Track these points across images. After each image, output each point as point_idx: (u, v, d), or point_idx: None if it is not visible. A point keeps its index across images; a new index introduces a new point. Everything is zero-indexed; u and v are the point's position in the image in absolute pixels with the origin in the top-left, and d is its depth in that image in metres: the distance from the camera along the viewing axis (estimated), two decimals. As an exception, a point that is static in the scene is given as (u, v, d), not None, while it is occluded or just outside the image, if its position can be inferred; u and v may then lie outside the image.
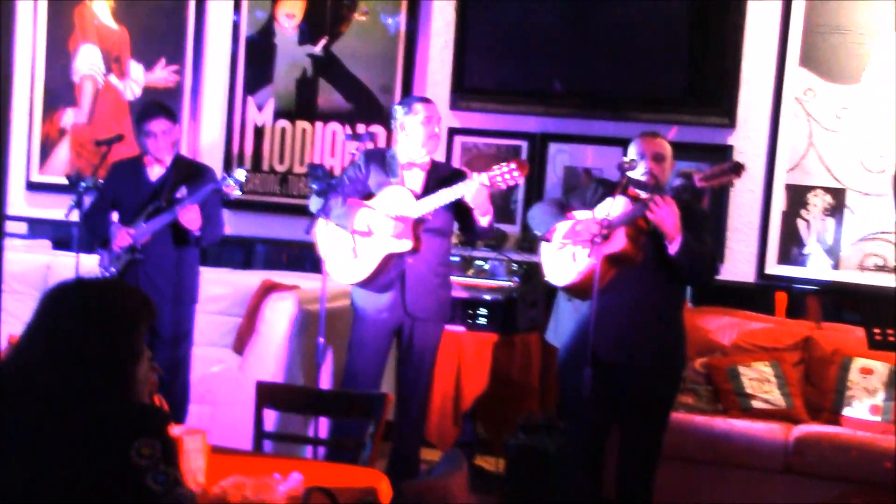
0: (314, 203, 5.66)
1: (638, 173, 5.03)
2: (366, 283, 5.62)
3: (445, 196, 5.42)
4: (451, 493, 2.88)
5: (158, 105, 6.22)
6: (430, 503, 2.78)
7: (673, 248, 4.88)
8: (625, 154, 5.19)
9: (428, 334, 5.69)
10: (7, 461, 2.61)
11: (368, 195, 5.69)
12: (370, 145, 7.07)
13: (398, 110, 5.72)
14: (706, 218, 5.42)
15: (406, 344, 5.70)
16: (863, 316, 6.32)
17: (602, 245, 4.83)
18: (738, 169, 4.89)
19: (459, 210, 5.55)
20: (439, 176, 5.64)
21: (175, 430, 3.27)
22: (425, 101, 5.78)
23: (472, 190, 5.34)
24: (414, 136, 5.63)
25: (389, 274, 5.56)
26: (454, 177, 5.54)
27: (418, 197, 5.51)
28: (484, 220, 5.51)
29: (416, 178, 5.67)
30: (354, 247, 5.56)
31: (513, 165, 5.26)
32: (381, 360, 5.74)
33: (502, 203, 7.02)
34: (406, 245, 5.48)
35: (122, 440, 2.62)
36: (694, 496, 5.89)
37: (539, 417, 6.19)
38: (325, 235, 5.64)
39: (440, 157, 7.06)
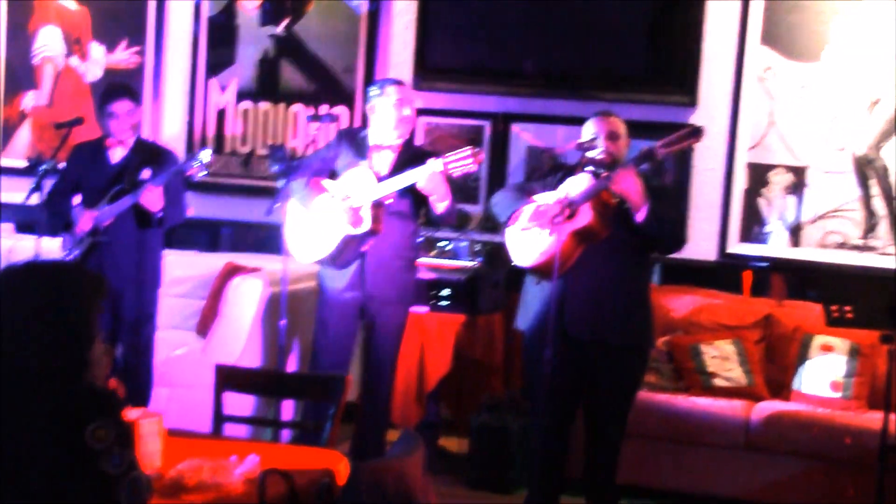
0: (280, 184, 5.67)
1: (595, 153, 5.03)
2: (328, 263, 5.62)
3: (403, 180, 5.40)
4: (406, 474, 2.88)
5: (121, 86, 6.20)
6: (385, 484, 2.79)
7: (640, 215, 4.86)
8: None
9: (389, 316, 5.68)
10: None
11: (334, 174, 5.69)
12: (332, 126, 7.07)
13: (372, 91, 5.71)
14: (665, 190, 5.42)
15: (369, 325, 5.70)
16: (823, 293, 6.36)
17: (566, 223, 4.84)
18: (697, 133, 4.89)
19: (419, 196, 5.55)
20: (409, 158, 5.61)
21: (131, 413, 3.26)
22: (398, 83, 5.75)
23: (425, 176, 5.33)
24: (385, 119, 5.62)
25: (350, 254, 5.56)
26: (420, 160, 5.48)
27: (382, 179, 5.51)
28: (440, 207, 5.47)
29: (385, 160, 5.66)
30: (315, 227, 5.56)
31: (467, 152, 5.25)
32: (346, 340, 5.73)
33: (463, 183, 7.03)
34: (364, 227, 5.47)
35: (77, 423, 2.61)
36: (656, 474, 5.94)
37: (502, 397, 6.23)
38: (290, 214, 5.64)
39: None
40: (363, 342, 5.80)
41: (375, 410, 5.77)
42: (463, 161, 5.24)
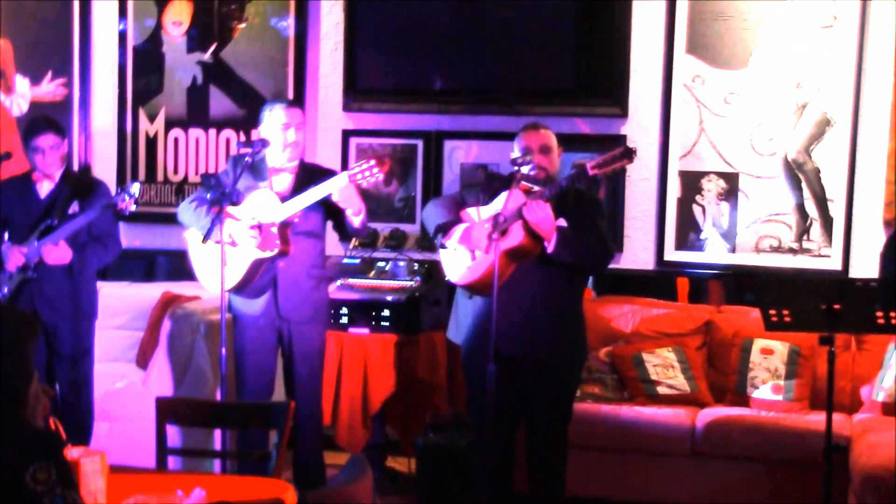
0: (186, 212, 5.57)
1: (528, 168, 4.99)
2: (238, 290, 5.52)
3: (310, 196, 5.32)
4: (355, 501, 2.86)
5: (45, 120, 6.12)
6: (334, 511, 2.77)
7: (550, 247, 4.88)
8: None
9: (307, 338, 5.61)
10: None
11: (236, 201, 5.57)
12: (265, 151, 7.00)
13: (264, 112, 5.64)
14: (598, 205, 5.42)
15: (287, 349, 5.63)
16: (760, 297, 6.39)
17: (500, 240, 4.81)
18: (629, 154, 4.88)
19: (332, 211, 5.49)
20: (308, 177, 5.53)
21: (73, 452, 3.21)
22: (288, 105, 5.70)
23: (336, 189, 5.27)
24: (274, 142, 5.55)
25: (262, 279, 5.48)
26: (322, 177, 5.41)
27: (284, 199, 5.44)
28: (356, 220, 5.41)
29: (285, 181, 5.59)
30: (222, 254, 5.44)
31: (372, 162, 5.18)
32: (266, 366, 5.65)
33: (390, 202, 7.04)
34: (273, 249, 5.43)
35: (16, 466, 2.56)
36: (604, 484, 5.95)
37: (447, 415, 6.21)
38: (198, 244, 5.53)
39: (334, 157, 7.04)
40: (284, 366, 5.72)
41: (308, 433, 5.68)
42: (367, 171, 5.19)
